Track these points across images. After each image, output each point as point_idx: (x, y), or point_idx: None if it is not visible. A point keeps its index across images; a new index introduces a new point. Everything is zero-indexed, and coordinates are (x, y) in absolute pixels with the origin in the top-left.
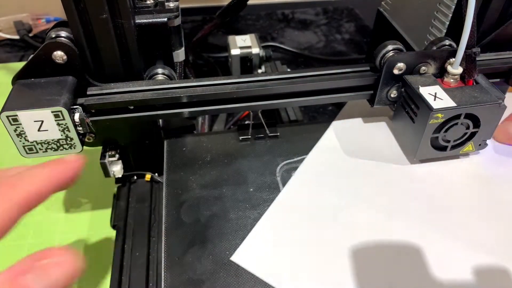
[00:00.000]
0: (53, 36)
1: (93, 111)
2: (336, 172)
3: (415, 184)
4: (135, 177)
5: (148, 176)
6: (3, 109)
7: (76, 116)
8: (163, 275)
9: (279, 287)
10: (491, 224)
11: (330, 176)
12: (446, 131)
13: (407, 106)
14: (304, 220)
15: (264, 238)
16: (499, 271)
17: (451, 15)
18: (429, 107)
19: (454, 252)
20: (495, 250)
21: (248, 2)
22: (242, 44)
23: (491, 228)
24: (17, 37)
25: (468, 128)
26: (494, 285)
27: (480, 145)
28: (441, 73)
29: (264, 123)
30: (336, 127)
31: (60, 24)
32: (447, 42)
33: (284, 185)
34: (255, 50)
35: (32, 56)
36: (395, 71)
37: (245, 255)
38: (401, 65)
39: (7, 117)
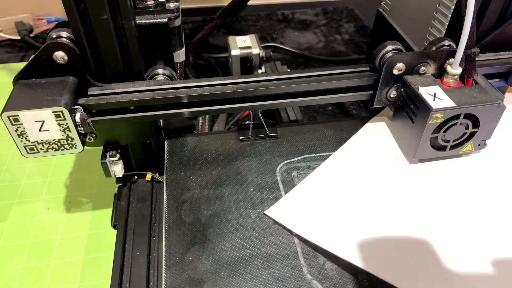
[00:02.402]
0: (54, 36)
1: (94, 111)
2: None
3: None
4: (136, 177)
5: (148, 176)
6: (4, 109)
7: (77, 116)
8: (163, 274)
9: (306, 236)
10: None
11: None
12: (445, 131)
13: (407, 106)
14: (336, 191)
15: (297, 199)
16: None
17: (450, 15)
18: (428, 107)
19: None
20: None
21: (248, 3)
22: (242, 44)
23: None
24: (18, 37)
25: (467, 128)
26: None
27: (479, 145)
28: (441, 73)
29: (264, 123)
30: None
31: (61, 25)
32: (446, 42)
33: (284, 185)
34: (255, 50)
35: (33, 56)
36: (395, 71)
37: (279, 211)
38: (400, 65)
39: (8, 117)
